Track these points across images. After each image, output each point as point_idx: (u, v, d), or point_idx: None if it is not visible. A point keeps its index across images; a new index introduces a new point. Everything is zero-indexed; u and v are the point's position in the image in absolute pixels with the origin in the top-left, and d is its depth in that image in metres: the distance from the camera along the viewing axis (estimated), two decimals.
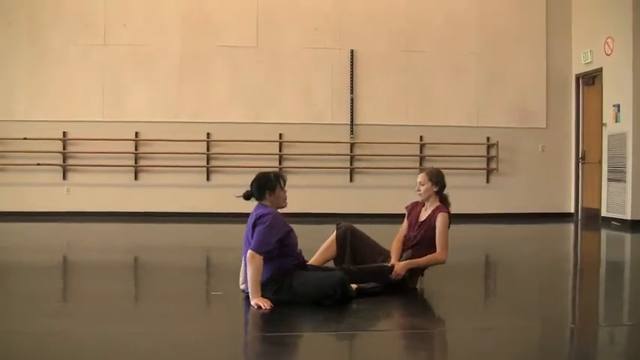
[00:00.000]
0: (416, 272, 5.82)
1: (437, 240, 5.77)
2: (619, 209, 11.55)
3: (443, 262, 5.81)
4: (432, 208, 5.91)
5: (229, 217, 12.06)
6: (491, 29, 12.98)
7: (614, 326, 4.98)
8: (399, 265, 5.63)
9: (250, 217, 5.39)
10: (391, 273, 5.60)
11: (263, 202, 5.41)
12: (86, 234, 10.78)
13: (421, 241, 5.84)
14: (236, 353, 4.15)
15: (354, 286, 5.37)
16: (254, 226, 5.29)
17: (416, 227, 5.92)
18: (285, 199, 5.47)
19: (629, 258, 9.11)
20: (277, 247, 5.24)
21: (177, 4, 12.63)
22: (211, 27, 12.62)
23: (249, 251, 5.21)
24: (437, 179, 5.93)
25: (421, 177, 5.97)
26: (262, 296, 5.16)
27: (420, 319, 5.23)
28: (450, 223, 5.84)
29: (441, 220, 5.78)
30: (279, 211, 5.44)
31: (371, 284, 5.54)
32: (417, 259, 5.73)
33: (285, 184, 5.45)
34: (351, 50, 12.76)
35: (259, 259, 5.19)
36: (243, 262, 5.53)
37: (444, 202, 5.97)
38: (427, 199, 5.95)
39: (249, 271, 5.19)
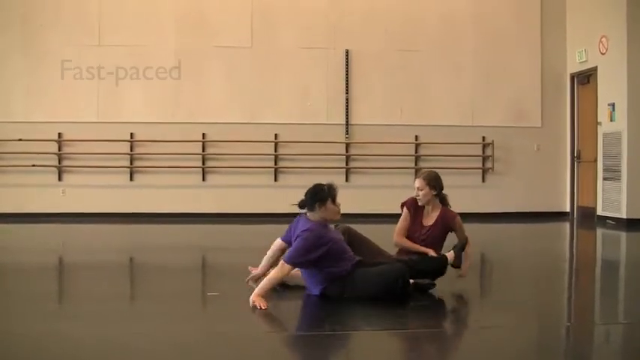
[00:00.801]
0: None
1: (459, 235, 6.05)
2: (614, 208, 11.57)
3: None
4: (437, 212, 6.07)
5: (225, 218, 12.13)
6: (487, 28, 12.99)
7: (610, 325, 5.00)
8: (465, 266, 5.86)
9: (296, 227, 5.49)
10: (446, 266, 5.79)
11: (312, 213, 5.44)
12: (82, 235, 10.77)
13: (429, 242, 6.01)
14: (236, 353, 4.15)
15: (410, 281, 5.42)
16: (297, 237, 5.39)
17: (423, 231, 6.04)
18: (338, 212, 5.49)
19: (625, 257, 9.14)
20: (315, 261, 5.31)
21: (172, 4, 12.61)
22: (207, 27, 12.61)
23: (282, 259, 5.32)
24: (434, 183, 6.05)
25: (418, 182, 6.06)
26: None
27: (416, 318, 5.24)
28: None
29: (459, 223, 6.04)
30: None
31: (427, 280, 5.64)
32: (469, 254, 5.94)
33: (335, 198, 5.47)
34: (346, 50, 12.77)
35: (288, 269, 5.29)
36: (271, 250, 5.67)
37: (444, 202, 6.10)
38: (427, 203, 6.06)
39: (273, 274, 5.27)
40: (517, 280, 6.86)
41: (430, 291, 5.69)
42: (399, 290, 5.25)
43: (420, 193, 6.01)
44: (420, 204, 6.07)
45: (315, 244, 5.29)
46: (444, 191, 6.14)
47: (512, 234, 11.48)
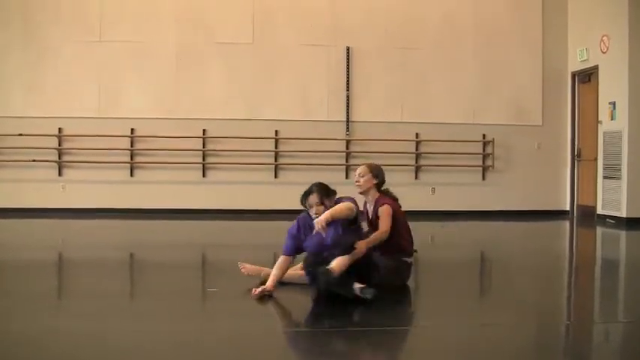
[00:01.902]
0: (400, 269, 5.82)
1: (380, 224, 5.71)
2: (614, 207, 11.57)
3: (385, 237, 5.70)
4: (373, 203, 5.92)
5: (225, 214, 12.12)
6: (488, 26, 12.98)
7: (610, 323, 5.00)
8: (362, 243, 5.44)
9: None
10: (353, 249, 5.38)
11: None
12: (81, 231, 10.75)
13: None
14: (236, 350, 4.15)
15: (360, 285, 5.14)
16: None
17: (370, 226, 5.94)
18: (317, 215, 5.36)
19: (625, 256, 9.14)
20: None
21: (173, 0, 12.60)
22: (207, 23, 12.60)
23: None
24: (377, 172, 5.95)
25: (361, 169, 5.98)
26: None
27: (415, 316, 5.24)
28: (393, 212, 5.77)
29: (384, 211, 5.73)
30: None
31: (369, 290, 5.25)
32: (370, 238, 5.60)
33: (311, 205, 5.45)
34: (347, 47, 12.76)
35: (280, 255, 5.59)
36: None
37: (386, 194, 5.96)
38: (367, 191, 5.95)
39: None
40: (517, 278, 6.86)
41: (426, 287, 5.67)
42: (313, 275, 5.26)
43: (361, 179, 5.91)
44: (358, 191, 5.96)
45: (289, 236, 5.57)
46: (387, 186, 6.02)
47: (512, 232, 11.48)
